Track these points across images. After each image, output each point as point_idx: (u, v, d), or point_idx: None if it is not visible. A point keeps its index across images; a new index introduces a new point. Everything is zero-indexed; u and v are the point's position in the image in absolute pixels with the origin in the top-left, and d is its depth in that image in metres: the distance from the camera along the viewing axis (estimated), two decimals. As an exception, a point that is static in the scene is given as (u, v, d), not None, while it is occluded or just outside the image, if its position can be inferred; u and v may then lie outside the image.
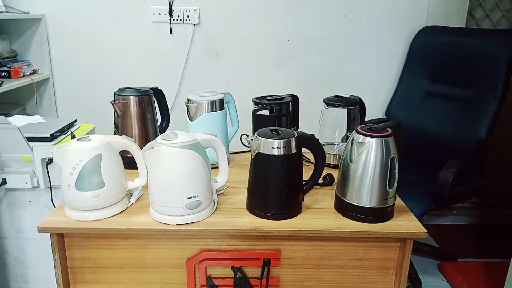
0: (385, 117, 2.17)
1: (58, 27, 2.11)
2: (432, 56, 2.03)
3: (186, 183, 0.93)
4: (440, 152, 1.90)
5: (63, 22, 2.10)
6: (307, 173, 1.05)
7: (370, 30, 2.13)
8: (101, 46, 2.14)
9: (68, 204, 0.97)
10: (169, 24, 2.11)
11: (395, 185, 0.98)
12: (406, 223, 0.99)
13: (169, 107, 2.13)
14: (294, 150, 0.97)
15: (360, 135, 0.97)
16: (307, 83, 2.20)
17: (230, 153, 1.40)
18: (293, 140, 0.97)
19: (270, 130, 1.00)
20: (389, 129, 0.98)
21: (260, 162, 0.98)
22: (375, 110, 2.17)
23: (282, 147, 0.95)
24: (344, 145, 1.42)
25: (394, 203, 1.00)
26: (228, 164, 1.35)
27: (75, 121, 1.46)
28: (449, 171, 1.62)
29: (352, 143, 0.98)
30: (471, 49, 1.88)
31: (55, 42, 2.13)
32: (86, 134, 1.38)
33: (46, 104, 2.18)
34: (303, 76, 2.19)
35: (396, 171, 0.98)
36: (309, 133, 1.08)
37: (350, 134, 1.42)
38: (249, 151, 1.01)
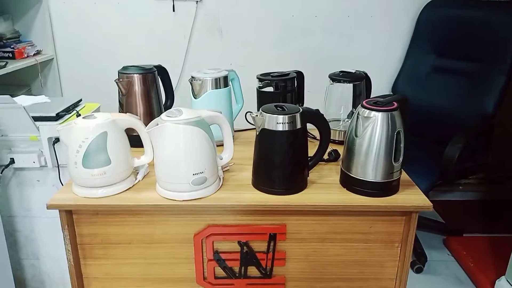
0: (391, 93, 2.15)
1: (60, 6, 2.09)
2: (439, 30, 2.00)
3: (191, 159, 0.94)
4: (447, 128, 1.88)
5: (65, 1, 2.08)
6: (312, 150, 1.05)
7: (376, 4, 2.09)
8: (104, 25, 2.12)
9: (75, 182, 0.98)
10: (172, 2, 2.08)
11: (401, 159, 0.98)
12: (412, 197, 0.99)
13: (173, 86, 2.14)
14: (299, 126, 0.96)
15: (366, 109, 0.96)
16: (312, 59, 2.17)
17: (235, 131, 1.40)
18: (297, 115, 0.96)
19: (275, 106, 1.00)
20: (395, 103, 0.98)
21: (265, 138, 0.98)
22: (381, 86, 2.15)
23: (287, 122, 0.95)
24: (349, 121, 1.42)
25: (399, 177, 1.00)
26: (233, 141, 1.37)
27: (80, 100, 1.46)
28: (455, 146, 1.62)
29: (357, 117, 0.97)
30: (479, 22, 1.84)
31: (58, 22, 2.12)
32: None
33: (51, 84, 2.18)
34: (308, 53, 2.17)
35: (402, 145, 0.97)
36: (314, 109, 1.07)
37: (355, 111, 1.43)
38: (254, 128, 1.00)
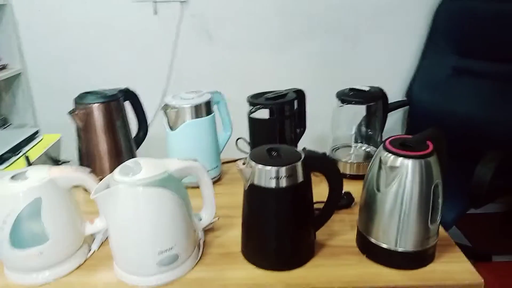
0: (405, 99, 1.89)
1: (26, 14, 1.83)
2: (460, 26, 1.72)
3: (156, 233, 0.69)
4: (472, 140, 1.63)
5: (31, 8, 1.83)
6: (316, 189, 0.79)
7: (385, 0, 1.82)
8: (77, 33, 1.86)
9: (5, 264, 0.74)
10: (153, 3, 1.82)
11: (439, 219, 0.73)
12: (454, 268, 0.75)
13: (157, 104, 1.89)
14: (300, 179, 0.71)
15: (390, 154, 0.71)
16: (315, 63, 1.91)
17: (222, 163, 1.15)
18: (298, 165, 0.71)
19: (268, 150, 0.75)
20: (429, 143, 0.72)
21: (255, 196, 0.73)
22: (394, 91, 1.88)
23: (285, 176, 0.70)
24: (363, 148, 1.17)
25: (436, 242, 0.75)
26: (221, 178, 1.12)
27: (37, 132, 1.22)
28: (487, 167, 1.36)
29: (379, 165, 0.72)
30: (508, 16, 1.57)
31: (25, 32, 1.86)
32: (45, 151, 1.14)
33: (21, 102, 1.93)
34: (309, 57, 1.90)
35: (440, 200, 0.72)
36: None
37: (369, 132, 1.17)
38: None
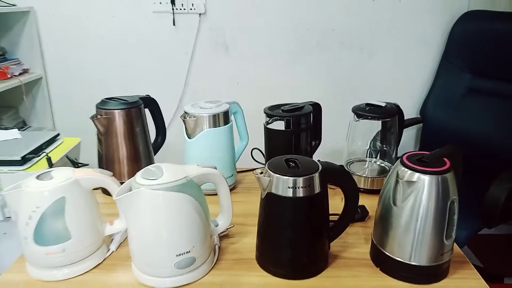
0: (419, 116, 1.90)
1: (49, 21, 1.89)
2: (475, 46, 1.74)
3: (175, 236, 0.71)
4: (486, 159, 1.63)
5: (54, 14, 1.88)
6: (331, 200, 0.80)
7: (401, 16, 1.84)
8: (97, 40, 1.92)
9: (28, 260, 0.76)
10: (172, 15, 1.86)
11: (454, 235, 0.74)
12: (467, 284, 0.75)
13: (173, 112, 1.93)
14: (317, 190, 0.73)
15: (407, 169, 0.72)
16: (330, 77, 1.93)
17: (238, 172, 1.17)
18: (316, 176, 0.72)
19: (286, 160, 0.76)
20: (446, 159, 0.73)
21: (272, 205, 0.74)
22: (408, 108, 1.89)
23: (302, 186, 0.71)
24: (377, 162, 1.18)
25: (451, 258, 0.76)
26: (236, 187, 1.14)
27: (58, 135, 1.25)
28: (501, 187, 1.36)
29: (396, 179, 0.73)
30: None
31: (47, 38, 1.92)
32: (66, 154, 1.17)
33: (40, 105, 1.99)
34: (324, 71, 1.93)
35: (456, 217, 0.73)
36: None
37: (385, 148, 1.18)
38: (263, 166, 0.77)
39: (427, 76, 1.90)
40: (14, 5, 1.81)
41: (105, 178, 0.79)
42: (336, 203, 0.83)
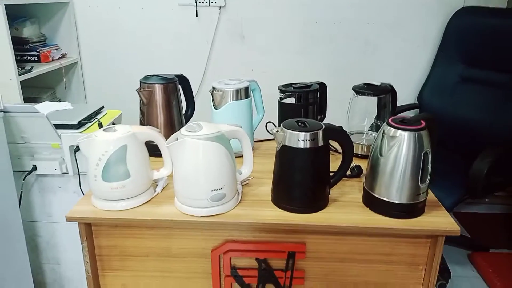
0: (417, 102, 2.09)
1: (85, 11, 2.12)
2: (469, 39, 1.93)
3: (210, 175, 0.92)
4: (475, 141, 1.82)
5: (90, 5, 2.11)
6: (334, 163, 1.01)
7: (402, 11, 2.03)
8: (127, 29, 2.14)
9: (94, 194, 0.98)
10: (195, 7, 2.07)
11: (428, 180, 0.94)
12: (438, 219, 0.95)
13: (195, 92, 2.14)
14: (321, 143, 0.94)
15: (391, 128, 0.93)
16: (335, 66, 2.13)
17: (255, 141, 1.38)
18: (320, 132, 0.93)
19: (296, 121, 0.97)
20: (422, 121, 0.94)
21: (285, 154, 0.95)
22: (406, 95, 2.10)
23: (309, 139, 0.92)
24: (373, 134, 1.38)
25: (425, 199, 0.96)
26: (253, 153, 1.34)
27: (102, 107, 1.47)
28: (484, 161, 1.55)
29: (382, 136, 0.94)
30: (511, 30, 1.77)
31: (83, 26, 2.15)
32: (112, 122, 1.39)
33: (75, 87, 2.22)
34: (331, 60, 2.13)
35: (429, 166, 0.93)
36: (337, 125, 1.04)
37: (379, 123, 1.38)
38: (274, 139, 0.98)
39: (424, 66, 2.10)
40: (55, -4, 2.03)
41: (155, 133, 1.00)
42: (336, 165, 1.03)
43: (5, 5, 1.56)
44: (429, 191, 1.02)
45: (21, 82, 1.68)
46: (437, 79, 2.03)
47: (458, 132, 1.87)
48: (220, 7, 2.06)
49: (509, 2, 2.01)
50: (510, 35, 1.77)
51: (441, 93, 2.00)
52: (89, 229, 0.99)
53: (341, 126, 1.00)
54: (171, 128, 1.27)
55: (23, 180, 1.30)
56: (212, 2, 2.05)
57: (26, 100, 1.73)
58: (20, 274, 1.32)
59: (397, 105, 1.38)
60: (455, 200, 1.57)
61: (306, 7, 2.05)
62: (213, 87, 1.25)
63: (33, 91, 2.01)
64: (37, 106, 1.26)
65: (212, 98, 1.25)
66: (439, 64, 2.03)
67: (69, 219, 0.96)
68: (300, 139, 0.92)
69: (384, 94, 1.28)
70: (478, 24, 1.91)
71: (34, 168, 1.30)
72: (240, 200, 1.02)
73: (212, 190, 0.92)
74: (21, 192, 1.31)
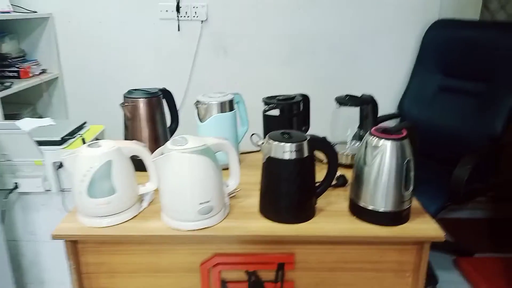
0: (397, 111, 2.14)
1: (65, 26, 2.10)
2: (445, 50, 1.98)
3: (197, 188, 0.92)
4: (454, 148, 1.86)
5: (70, 20, 2.10)
6: (319, 173, 1.02)
7: (381, 23, 2.09)
8: (109, 44, 2.13)
9: (80, 211, 0.97)
10: (177, 21, 2.08)
11: (411, 187, 0.96)
12: (423, 226, 0.97)
13: (178, 106, 2.13)
14: (306, 154, 0.95)
15: (374, 137, 0.95)
16: (318, 79, 2.17)
17: (240, 153, 1.39)
18: (305, 143, 0.95)
19: (281, 133, 0.98)
20: (404, 130, 0.96)
21: (271, 166, 0.96)
22: (387, 105, 2.14)
23: (294, 150, 0.93)
24: (357, 144, 1.40)
25: (410, 206, 0.98)
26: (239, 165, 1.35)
27: (85, 123, 1.45)
28: (464, 168, 1.59)
29: (366, 145, 0.96)
30: (486, 43, 1.83)
31: (63, 41, 2.13)
32: (95, 137, 1.38)
33: (56, 103, 2.19)
34: (313, 72, 2.16)
35: (412, 174, 0.96)
36: (321, 135, 1.05)
37: (362, 133, 1.41)
38: (260, 150, 0.99)
39: (404, 76, 2.15)
40: (35, 11, 2.01)
41: (140, 148, 1.00)
42: (322, 175, 1.05)
43: (-16, 21, 1.54)
44: (414, 198, 1.04)
45: (0, 98, 1.65)
46: (416, 88, 2.08)
47: (438, 140, 1.91)
48: (202, 21, 2.08)
49: (482, 15, 2.09)
50: (484, 46, 1.83)
51: (420, 103, 2.04)
52: (75, 246, 0.97)
53: (325, 137, 1.02)
54: (155, 142, 1.27)
55: (5, 198, 1.28)
56: (194, 16, 2.06)
57: (6, 116, 1.70)
58: (2, 295, 1.28)
59: (379, 114, 1.41)
60: (439, 207, 1.60)
61: (287, 21, 2.08)
62: (197, 100, 1.26)
63: (13, 108, 1.98)
64: (18, 123, 1.24)
65: (197, 111, 1.26)
66: (418, 74, 2.08)
67: (55, 236, 0.94)
68: (285, 151, 0.94)
69: (365, 104, 1.31)
70: (453, 36, 1.98)
71: (16, 186, 1.27)
72: (228, 212, 1.02)
73: (199, 204, 0.92)
74: (3, 210, 1.28)
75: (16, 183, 1.27)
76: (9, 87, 1.75)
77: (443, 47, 2.00)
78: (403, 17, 2.07)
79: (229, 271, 1.00)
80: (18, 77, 1.92)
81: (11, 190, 1.27)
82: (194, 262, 0.99)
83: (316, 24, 2.09)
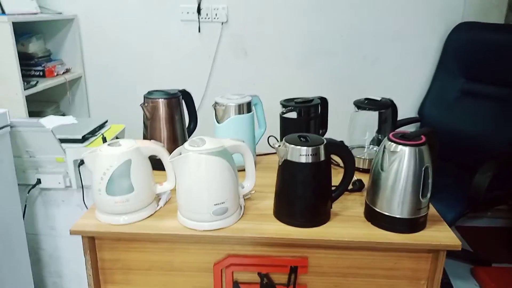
0: (417, 116, 2.11)
1: (89, 27, 2.15)
2: (468, 53, 1.95)
3: (213, 189, 0.93)
4: (475, 154, 1.83)
5: (95, 22, 2.15)
6: (335, 177, 1.02)
7: (402, 25, 2.06)
8: (131, 45, 2.17)
9: (98, 208, 0.99)
10: (198, 23, 2.11)
11: (429, 194, 0.95)
12: (440, 234, 0.96)
13: (197, 106, 2.16)
14: (322, 158, 0.95)
15: (392, 143, 0.94)
16: (336, 80, 2.16)
17: (257, 155, 1.39)
18: (321, 147, 0.94)
19: (298, 136, 0.98)
20: (423, 136, 0.95)
21: (287, 169, 0.96)
22: (407, 109, 2.11)
23: (311, 154, 0.93)
24: (374, 148, 1.39)
25: (427, 213, 0.97)
26: (255, 167, 1.35)
27: (106, 121, 1.49)
28: (485, 175, 1.56)
29: (383, 151, 0.95)
30: (511, 47, 1.79)
31: (87, 42, 2.18)
32: (116, 136, 1.41)
33: (79, 102, 2.24)
34: (332, 74, 2.15)
35: (430, 181, 0.94)
36: (339, 139, 1.05)
37: (380, 137, 1.39)
38: (276, 153, 0.99)
39: (425, 80, 2.12)
40: (60, 13, 2.07)
41: (158, 147, 1.02)
42: (338, 179, 1.04)
43: (12, 22, 1.59)
44: (430, 205, 1.02)
45: (26, 96, 1.70)
46: (437, 92, 2.05)
47: (458, 146, 1.88)
48: (222, 22, 2.10)
49: (507, 18, 2.04)
50: (508, 50, 1.79)
51: (441, 107, 2.01)
52: (92, 242, 1.00)
53: (342, 141, 1.01)
54: (174, 142, 1.29)
55: (28, 193, 1.32)
56: (215, 18, 2.08)
57: (31, 114, 1.75)
58: (22, 286, 1.32)
59: (398, 118, 1.39)
60: (457, 214, 1.57)
61: (306, 22, 2.08)
62: (216, 102, 1.27)
63: (37, 105, 2.03)
64: (42, 121, 1.28)
65: (215, 112, 1.27)
66: (440, 78, 2.05)
67: (73, 232, 0.96)
68: (302, 154, 0.94)
69: (384, 109, 1.29)
70: (477, 39, 1.94)
71: (39, 181, 1.31)
72: (243, 214, 1.03)
73: (214, 204, 0.93)
74: (25, 205, 1.32)
75: (38, 178, 1.31)
76: (34, 85, 1.81)
77: (466, 50, 1.96)
78: (425, 19, 2.05)
79: (241, 272, 1.01)
80: (43, 76, 1.97)
81: (33, 186, 1.31)
82: (208, 262, 1.00)
83: (336, 25, 2.08)
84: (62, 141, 1.28)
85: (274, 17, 2.08)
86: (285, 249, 0.98)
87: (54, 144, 1.26)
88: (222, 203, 0.94)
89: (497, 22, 2.02)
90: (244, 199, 1.08)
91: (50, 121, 1.32)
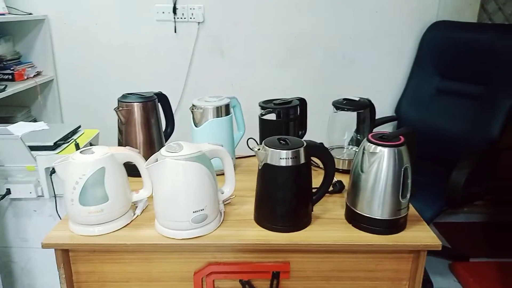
0: (394, 114, 2.13)
1: (61, 28, 2.08)
2: (443, 52, 1.98)
3: (191, 196, 0.91)
4: (451, 151, 1.85)
5: (66, 22, 2.08)
6: (315, 179, 1.01)
7: (379, 26, 2.08)
8: (105, 46, 2.11)
9: (71, 219, 0.95)
10: (174, 23, 2.07)
11: (408, 195, 0.95)
12: (420, 234, 0.96)
13: (174, 108, 2.12)
14: (302, 161, 0.93)
15: (372, 144, 0.93)
16: (315, 80, 2.15)
17: (236, 158, 1.37)
18: (301, 150, 0.93)
19: (278, 139, 0.97)
20: (401, 137, 0.95)
21: (267, 173, 0.95)
22: (384, 107, 2.13)
23: (291, 157, 0.92)
24: (354, 148, 1.39)
25: (407, 214, 0.97)
26: (235, 170, 1.33)
27: (79, 127, 1.44)
28: (461, 172, 1.58)
29: (363, 152, 0.94)
30: (484, 45, 1.83)
31: (59, 43, 2.11)
32: (89, 142, 1.36)
33: (51, 105, 2.17)
34: (310, 74, 2.15)
35: (409, 181, 0.94)
36: (318, 139, 1.04)
37: (359, 137, 1.39)
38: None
39: (401, 79, 2.14)
40: (30, 13, 2.00)
41: (133, 154, 0.98)
42: (318, 180, 1.03)
43: (-23, 23, 1.52)
44: (410, 205, 1.02)
45: (-6, 101, 1.63)
46: (413, 91, 2.07)
47: (435, 143, 1.90)
48: (198, 22, 2.06)
49: (479, 16, 2.08)
50: (481, 49, 1.82)
51: (418, 105, 2.04)
52: (66, 255, 0.96)
53: (322, 143, 1.00)
54: (150, 147, 1.25)
55: (-3, 204, 1.26)
56: (191, 18, 2.05)
57: (0, 119, 1.68)
58: (-7, 302, 1.26)
59: (377, 116, 1.40)
60: (435, 211, 1.59)
61: (284, 22, 2.07)
62: (193, 105, 1.24)
63: (7, 110, 1.96)
64: (11, 128, 1.22)
65: (193, 115, 1.24)
66: (415, 76, 2.07)
67: (45, 245, 0.92)
68: (282, 157, 0.92)
69: (363, 109, 1.29)
70: (451, 38, 1.97)
71: (8, 191, 1.25)
72: (223, 220, 1.00)
73: (193, 212, 0.90)
74: (-6, 216, 1.26)
75: (8, 188, 1.25)
76: (3, 90, 1.73)
77: (440, 49, 1.99)
78: (400, 19, 2.07)
79: (223, 280, 0.98)
80: (13, 80, 1.90)
81: (3, 196, 1.25)
82: (188, 271, 0.97)
83: (313, 26, 2.08)
84: (33, 148, 1.22)
85: (251, 17, 2.06)
86: (266, 255, 0.96)
87: (24, 152, 1.20)
88: (201, 210, 0.91)
89: (470, 21, 2.05)
90: (224, 205, 1.06)
91: (19, 128, 1.26)
